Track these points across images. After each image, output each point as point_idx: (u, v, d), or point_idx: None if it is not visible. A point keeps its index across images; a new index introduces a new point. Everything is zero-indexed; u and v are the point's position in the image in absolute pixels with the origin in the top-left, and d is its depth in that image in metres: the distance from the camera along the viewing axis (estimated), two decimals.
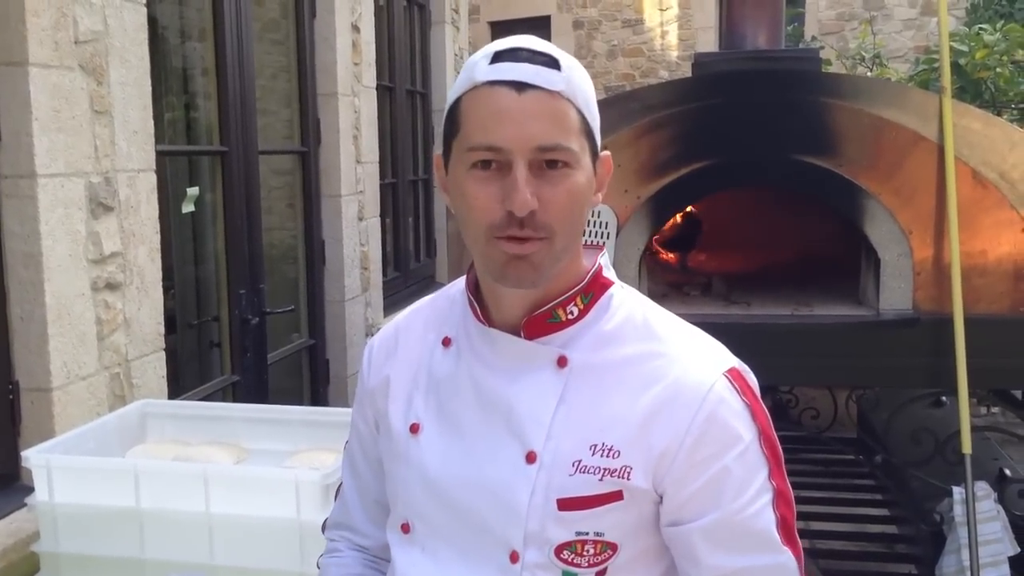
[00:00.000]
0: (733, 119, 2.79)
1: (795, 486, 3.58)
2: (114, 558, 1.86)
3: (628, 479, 1.07)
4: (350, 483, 1.35)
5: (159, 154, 2.84)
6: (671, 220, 3.11)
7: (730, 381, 1.09)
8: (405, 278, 5.62)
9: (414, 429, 1.18)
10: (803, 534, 3.53)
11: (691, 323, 1.18)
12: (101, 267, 2.52)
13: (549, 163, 1.05)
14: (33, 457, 1.88)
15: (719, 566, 1.08)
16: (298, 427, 2.26)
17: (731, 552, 1.08)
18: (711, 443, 1.06)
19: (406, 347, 1.24)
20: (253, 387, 3.66)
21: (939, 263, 2.70)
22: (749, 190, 3.11)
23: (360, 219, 4.64)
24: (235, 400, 3.46)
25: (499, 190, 1.04)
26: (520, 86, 1.04)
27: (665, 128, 2.80)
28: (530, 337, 1.14)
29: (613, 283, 1.18)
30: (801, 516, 3.80)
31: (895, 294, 2.73)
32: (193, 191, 3.36)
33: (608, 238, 2.69)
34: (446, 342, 1.20)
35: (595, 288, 1.16)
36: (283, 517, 1.80)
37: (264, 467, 1.99)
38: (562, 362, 1.12)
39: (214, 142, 3.50)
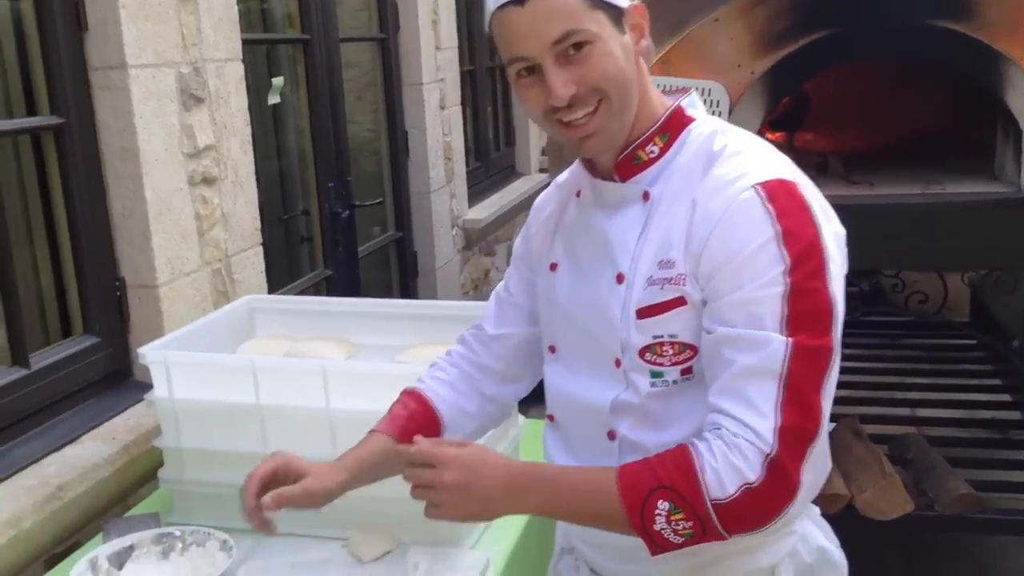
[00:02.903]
0: None
1: (901, 372, 3.41)
2: (236, 453, 1.84)
3: (684, 285, 1.21)
4: (501, 286, 1.58)
5: (243, 43, 2.74)
6: (786, 96, 2.90)
7: (758, 191, 1.17)
8: (486, 168, 5.51)
9: (552, 267, 1.41)
10: (911, 421, 3.44)
11: None
12: (196, 161, 2.46)
13: (574, 47, 1.20)
14: (150, 354, 1.85)
15: (713, 333, 1.19)
16: (406, 321, 2.20)
17: (726, 323, 1.17)
18: (730, 241, 1.17)
19: (556, 199, 1.47)
20: (345, 281, 3.63)
21: None
22: (861, 62, 2.89)
23: (442, 108, 4.51)
24: (329, 295, 3.43)
25: (542, 91, 1.22)
26: (519, 1, 1.19)
27: None
28: (623, 179, 1.31)
29: (694, 119, 1.30)
30: (908, 403, 3.71)
31: None
32: (278, 81, 3.26)
33: (720, 117, 2.52)
34: (578, 194, 1.41)
35: (672, 127, 1.29)
36: None
37: (380, 363, 1.93)
38: (646, 197, 1.28)
39: (296, 29, 3.38)
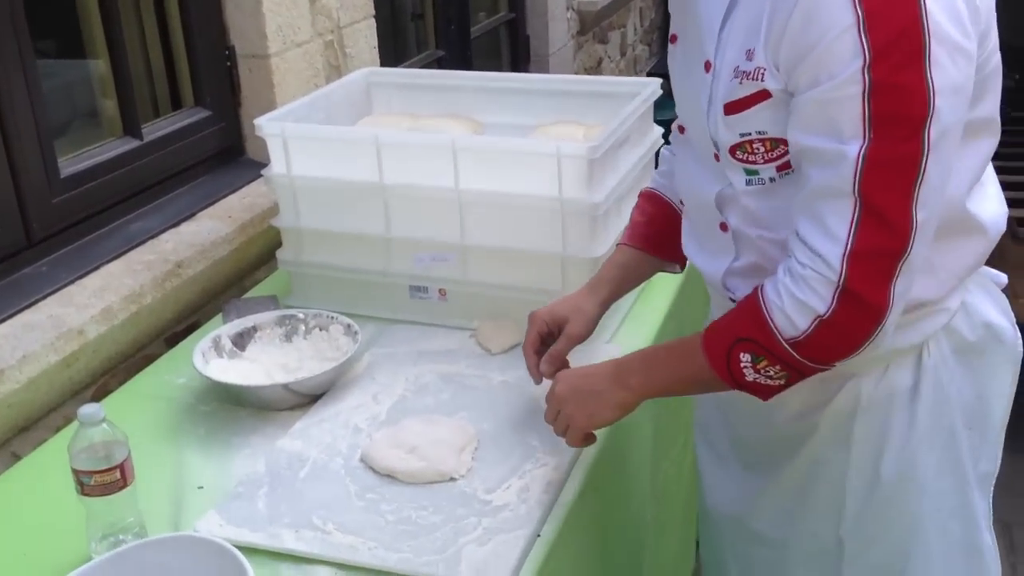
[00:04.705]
0: None
1: None
2: (357, 234, 1.73)
3: (762, 80, 1.08)
4: None
5: None
6: None
7: None
8: None
9: (672, 39, 1.28)
10: None
11: None
12: None
13: None
14: (266, 125, 1.72)
15: (793, 142, 1.08)
16: (536, 98, 2.01)
17: (802, 130, 1.06)
18: (806, 29, 1.02)
19: None
20: (457, 63, 3.42)
21: None
22: None
23: None
24: None
25: None
26: None
27: None
28: None
29: None
30: None
31: None
32: None
33: None
34: None
35: None
36: (541, 195, 1.59)
37: (516, 139, 1.76)
38: None
39: None
